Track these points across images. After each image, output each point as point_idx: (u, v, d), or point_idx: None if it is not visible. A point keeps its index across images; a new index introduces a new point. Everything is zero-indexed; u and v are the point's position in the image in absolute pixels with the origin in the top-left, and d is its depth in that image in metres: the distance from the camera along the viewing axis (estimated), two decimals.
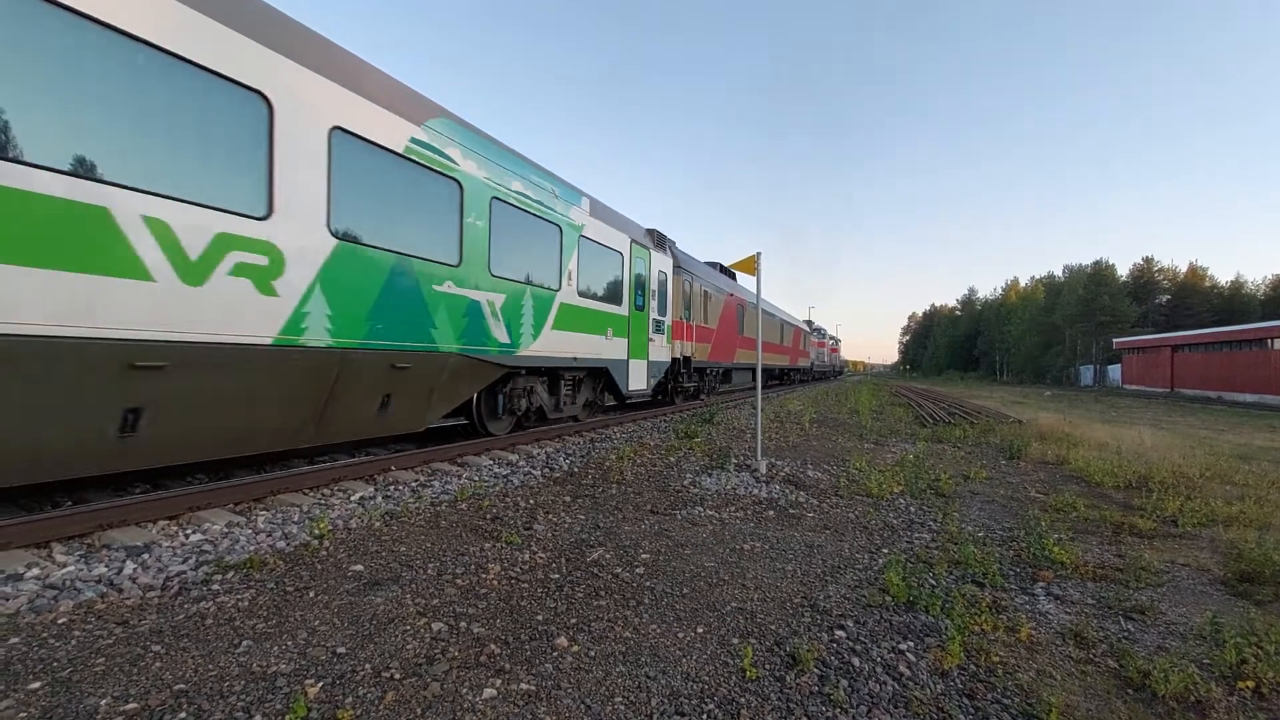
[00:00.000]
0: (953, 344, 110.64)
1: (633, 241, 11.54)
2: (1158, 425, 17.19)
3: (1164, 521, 5.75)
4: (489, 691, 2.49)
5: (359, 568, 3.78)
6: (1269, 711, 2.59)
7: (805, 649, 2.91)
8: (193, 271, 4.33)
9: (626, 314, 11.27)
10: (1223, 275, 78.50)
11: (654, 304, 12.56)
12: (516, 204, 8.02)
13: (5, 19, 3.45)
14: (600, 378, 11.03)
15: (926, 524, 5.47)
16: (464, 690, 2.49)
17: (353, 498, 5.37)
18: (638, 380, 11.85)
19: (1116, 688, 2.78)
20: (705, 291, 16.73)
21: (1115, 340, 57.62)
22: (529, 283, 8.29)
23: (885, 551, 4.62)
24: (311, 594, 3.37)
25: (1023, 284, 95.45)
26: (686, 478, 6.84)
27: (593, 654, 2.85)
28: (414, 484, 6.00)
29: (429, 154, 6.49)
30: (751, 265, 7.77)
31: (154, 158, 4.16)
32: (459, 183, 6.95)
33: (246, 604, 3.21)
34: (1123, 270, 72.54)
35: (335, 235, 5.39)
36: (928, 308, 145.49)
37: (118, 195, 3.91)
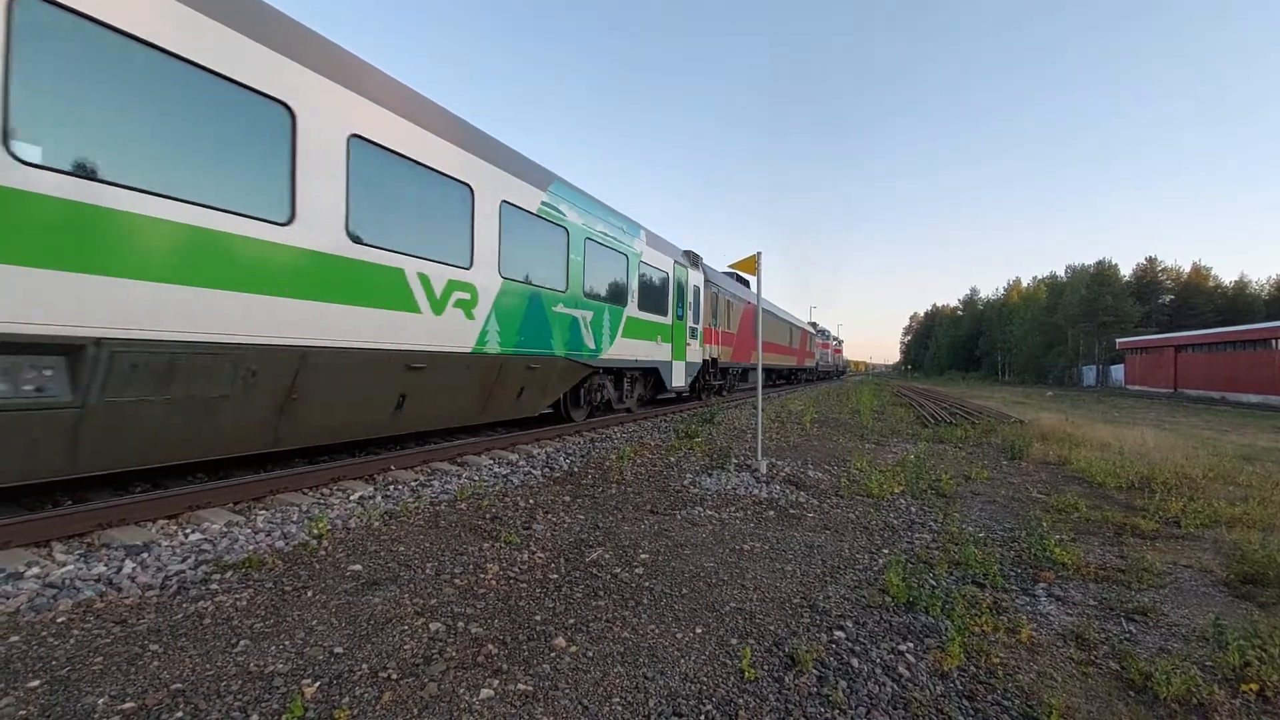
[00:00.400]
0: (954, 344, 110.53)
1: (675, 262, 13.67)
2: (1160, 426, 17.14)
3: (1166, 522, 5.72)
4: (486, 692, 2.48)
5: (357, 567, 3.78)
6: (1273, 715, 2.57)
7: (804, 650, 2.90)
8: (437, 305, 6.57)
9: (670, 323, 13.39)
10: (1227, 275, 78.41)
11: (690, 314, 14.64)
12: (601, 241, 10.28)
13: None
14: (651, 376, 13.22)
15: (927, 524, 5.45)
16: (461, 690, 2.48)
17: (352, 497, 5.37)
18: (679, 378, 14.03)
19: (1118, 690, 2.76)
20: (727, 301, 18.69)
21: (1118, 340, 57.48)
22: (607, 301, 10.48)
23: (885, 552, 4.60)
24: (309, 594, 3.36)
25: (1025, 284, 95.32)
26: (686, 478, 6.83)
27: (591, 654, 2.84)
28: (413, 483, 6.00)
29: (550, 210, 8.80)
30: (752, 265, 7.75)
31: (423, 235, 6.45)
32: (566, 229, 9.22)
33: (244, 603, 3.21)
34: (1126, 270, 72.59)
35: (502, 276, 7.67)
36: (929, 308, 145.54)
37: (408, 261, 6.18)
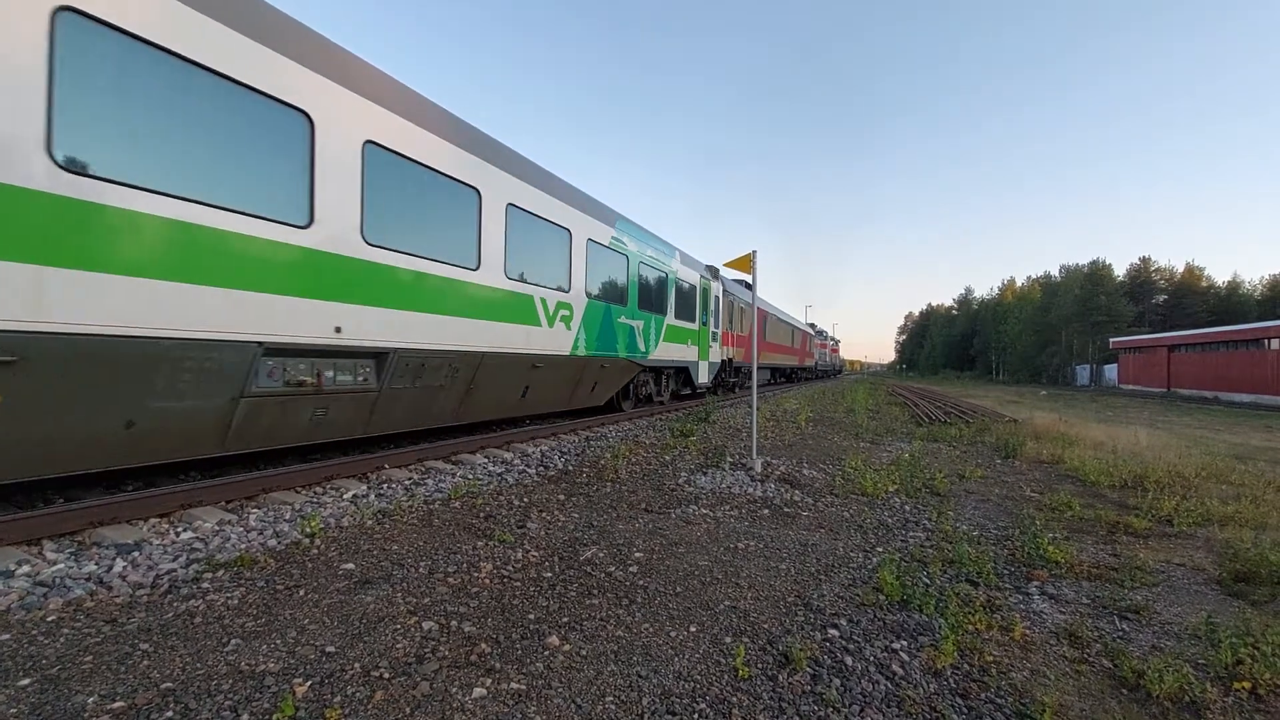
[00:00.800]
0: (949, 343, 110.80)
1: (700, 276, 15.87)
2: (1154, 425, 17.22)
3: (1159, 521, 5.75)
4: (479, 691, 2.47)
5: (350, 566, 3.76)
6: (1266, 713, 2.58)
7: (798, 648, 2.90)
8: (550, 320, 8.85)
9: (698, 329, 15.67)
10: (1220, 275, 78.99)
11: (712, 320, 16.94)
12: (649, 263, 12.55)
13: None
14: (682, 374, 15.60)
15: (921, 523, 5.46)
16: (454, 689, 2.47)
17: (345, 496, 5.35)
18: (704, 376, 16.43)
19: (1110, 688, 2.76)
20: (741, 308, 21.10)
21: (1112, 340, 57.75)
22: (653, 312, 12.73)
23: (880, 550, 4.61)
24: (302, 592, 3.35)
25: (1019, 284, 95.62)
26: (681, 476, 6.83)
27: (584, 653, 2.83)
28: (407, 482, 5.98)
29: (617, 242, 11.09)
30: (747, 263, 7.75)
31: (543, 270, 8.78)
32: (627, 256, 11.53)
33: (236, 602, 3.19)
34: (1119, 270, 72.89)
35: (587, 296, 9.94)
36: (924, 307, 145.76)
37: (535, 289, 8.47)
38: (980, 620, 3.32)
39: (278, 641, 2.79)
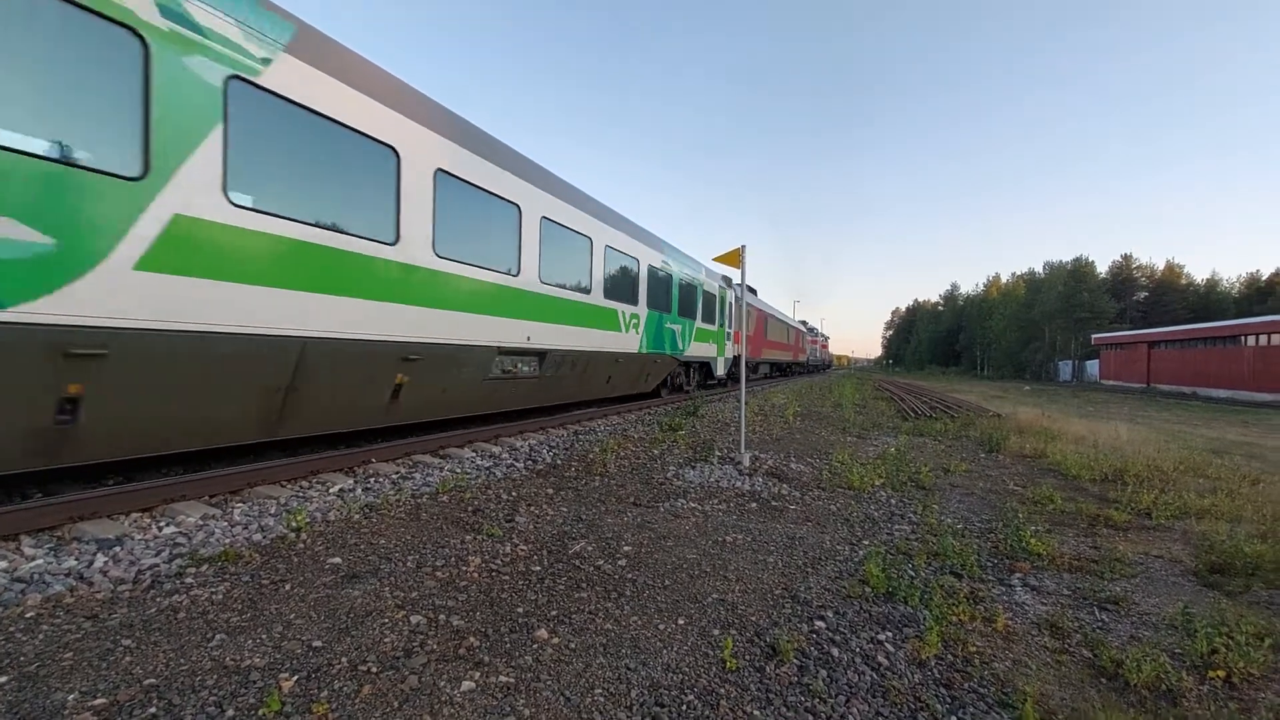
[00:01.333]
0: (935, 339, 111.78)
1: (719, 285, 18.85)
2: (1134, 420, 17.50)
3: (1138, 514, 5.85)
4: (467, 684, 2.47)
5: (336, 560, 3.73)
6: (1240, 700, 2.64)
7: (785, 640, 2.92)
8: (626, 327, 11.77)
9: (717, 329, 18.74)
10: (1199, 273, 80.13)
11: (728, 322, 19.98)
12: (685, 279, 15.38)
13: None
14: (705, 368, 18.78)
15: (907, 516, 5.52)
16: (442, 683, 2.47)
17: (331, 490, 5.31)
18: (722, 369, 19.83)
19: (1090, 677, 2.82)
20: (748, 310, 24.53)
21: (1094, 336, 58.56)
22: (687, 317, 15.59)
23: (866, 543, 4.65)
24: (287, 587, 3.32)
25: (1004, 280, 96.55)
26: (670, 470, 6.84)
27: (573, 646, 2.84)
28: (394, 476, 5.94)
29: (665, 264, 13.95)
30: (736, 258, 7.76)
31: (621, 291, 11.59)
32: (672, 275, 14.39)
33: (220, 597, 3.16)
34: (1102, 267, 73.83)
35: (647, 308, 12.78)
36: (911, 303, 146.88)
37: (617, 304, 11.33)
38: (964, 611, 3.37)
39: (263, 636, 2.77)
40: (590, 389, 11.33)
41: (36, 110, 3.69)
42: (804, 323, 53.08)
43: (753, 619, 3.24)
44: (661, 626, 3.10)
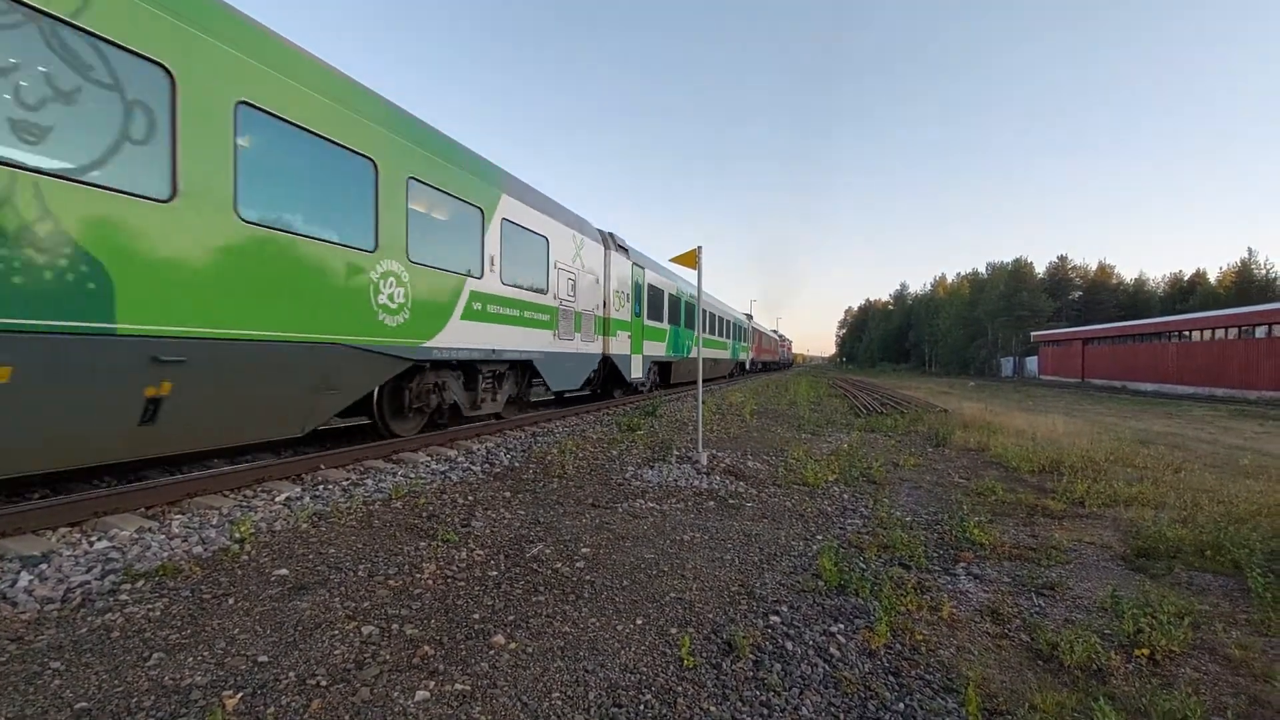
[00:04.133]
0: (886, 337, 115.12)
1: (744, 315, 33.23)
2: (1070, 413, 18.40)
3: (1073, 503, 6.16)
4: (421, 694, 2.42)
5: (284, 572, 3.61)
6: (1162, 676, 2.81)
7: (741, 636, 2.97)
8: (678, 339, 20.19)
9: (732, 340, 31.69)
10: (1128, 273, 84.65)
11: (747, 339, 36.16)
12: (712, 310, 25.62)
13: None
14: (738, 367, 34.36)
15: (859, 510, 5.67)
16: (395, 694, 2.42)
17: (278, 498, 5.12)
18: (740, 367, 36.36)
19: (1028, 660, 2.96)
20: (755, 330, 41.89)
21: (1033, 334, 61.33)
22: (730, 339, 30.17)
23: (820, 538, 4.76)
24: (231, 601, 3.19)
25: (950, 280, 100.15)
26: (628, 470, 6.86)
27: (530, 650, 2.82)
28: (345, 483, 5.77)
29: (718, 304, 27.96)
30: (693, 258, 7.84)
31: (669, 316, 19.01)
32: (729, 319, 30.71)
33: (158, 614, 3.02)
34: (1040, 268, 77.41)
35: (687, 328, 21.34)
36: (863, 302, 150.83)
37: (669, 325, 18.87)
38: (912, 601, 3.49)
39: (205, 653, 2.66)
40: (679, 379, 21.09)
41: None
42: (776, 332, 70.50)
43: (710, 616, 3.28)
44: (619, 627, 3.10)
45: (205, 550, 3.92)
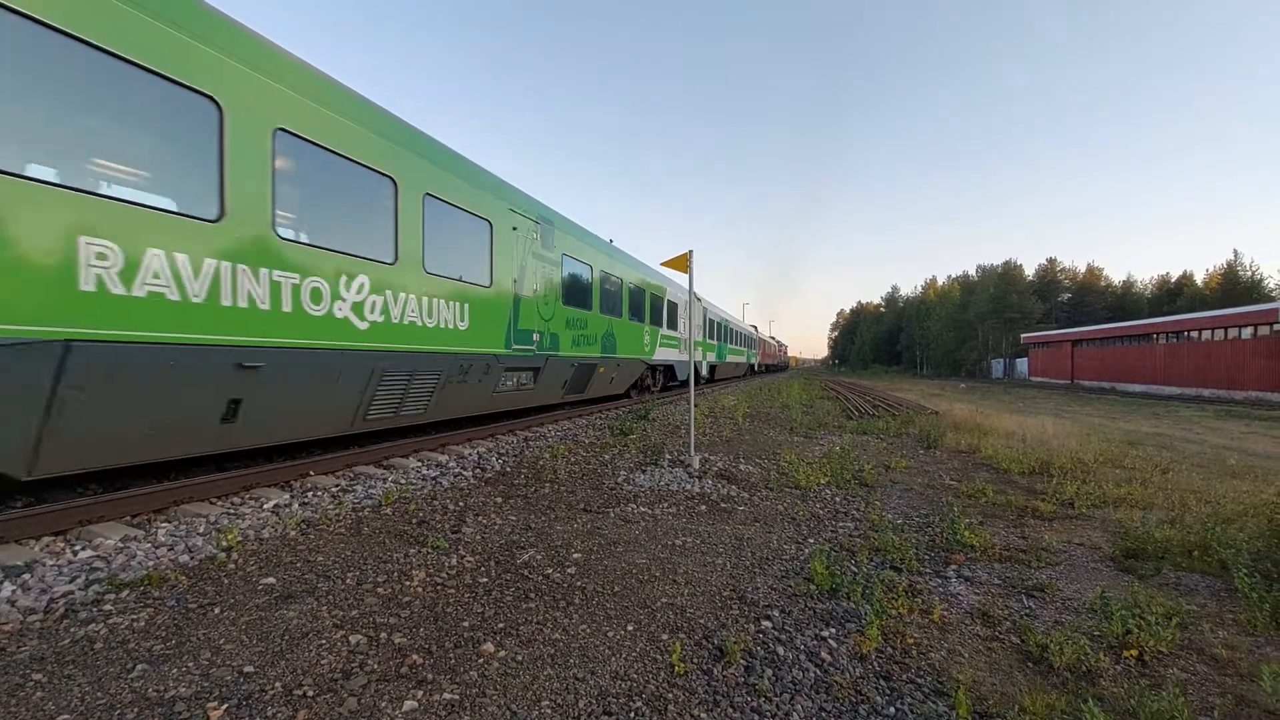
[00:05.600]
0: (877, 339, 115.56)
1: (752, 328, 46.77)
2: (1059, 415, 18.52)
3: (1062, 504, 6.19)
4: (409, 704, 2.40)
5: (271, 580, 3.57)
6: (1150, 677, 2.83)
7: (733, 641, 2.96)
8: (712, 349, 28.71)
9: (746, 349, 41.25)
10: (1116, 275, 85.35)
11: (752, 346, 44.61)
12: (737, 328, 36.79)
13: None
14: (746, 367, 44.05)
15: (850, 513, 5.68)
16: (383, 704, 2.39)
17: (266, 506, 5.08)
18: (751, 369, 46.80)
19: (1019, 662, 2.97)
20: (762, 339, 56.02)
21: (1023, 335, 61.77)
22: (742, 347, 39.24)
23: (811, 542, 4.76)
24: (217, 610, 3.16)
25: (940, 283, 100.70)
26: (620, 475, 6.84)
27: (520, 658, 2.80)
28: (334, 489, 5.73)
29: (737, 320, 38.54)
30: (684, 262, 7.85)
31: (719, 336, 30.25)
32: (746, 334, 42.03)
33: (143, 624, 2.98)
34: (1030, 270, 78.02)
35: (716, 341, 29.92)
36: (854, 304, 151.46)
37: (716, 343, 29.52)
38: (903, 605, 3.49)
39: (190, 664, 2.63)
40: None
41: None
42: (774, 338, 79.41)
43: (701, 621, 3.27)
44: (610, 634, 3.09)
45: (192, 559, 3.87)
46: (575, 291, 11.33)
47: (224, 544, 4.03)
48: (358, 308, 5.96)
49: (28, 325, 3.56)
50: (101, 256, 3.90)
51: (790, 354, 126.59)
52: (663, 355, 17.83)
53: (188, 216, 4.49)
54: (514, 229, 9.02)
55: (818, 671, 2.81)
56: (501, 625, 3.12)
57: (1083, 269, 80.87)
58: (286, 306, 5.22)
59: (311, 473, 6.10)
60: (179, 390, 4.48)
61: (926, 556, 4.51)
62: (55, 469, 4.01)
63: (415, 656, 2.76)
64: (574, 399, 12.62)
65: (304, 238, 5.60)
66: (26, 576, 3.46)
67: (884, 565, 4.24)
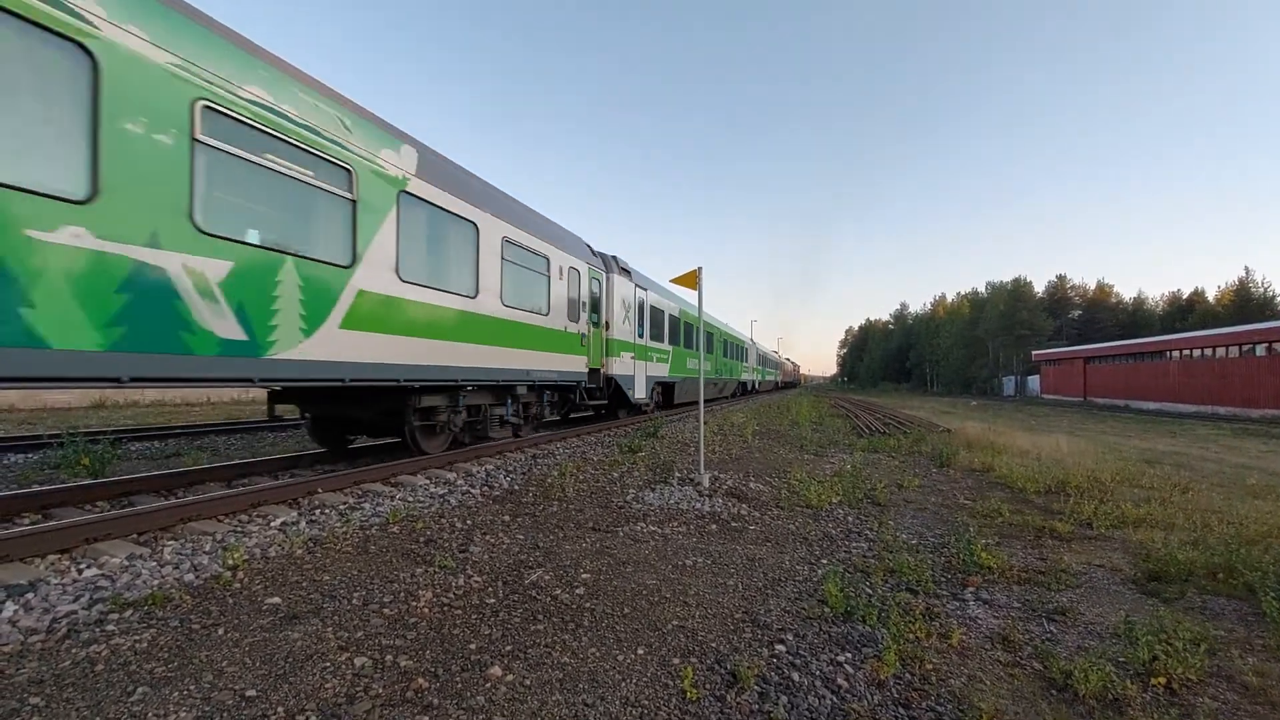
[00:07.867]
0: (886, 357, 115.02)
1: (772, 350, 62.17)
2: (1073, 433, 18.28)
3: (1080, 525, 6.06)
4: None
5: (276, 600, 3.52)
6: (1180, 706, 2.72)
7: (745, 666, 2.88)
8: (741, 368, 38.45)
9: (758, 366, 46.98)
10: (1127, 292, 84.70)
11: (772, 367, 57.26)
12: (767, 355, 55.11)
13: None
14: (770, 385, 56.40)
15: (863, 533, 5.58)
16: None
17: (273, 523, 5.04)
18: (774, 385, 62.61)
19: (1042, 689, 2.86)
20: (778, 360, 70.58)
21: (1034, 353, 61.30)
22: (764, 367, 51.42)
23: (824, 562, 4.67)
24: (220, 631, 3.11)
25: (950, 299, 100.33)
26: (629, 493, 6.77)
27: (528, 683, 2.73)
28: (342, 507, 5.69)
29: (759, 345, 49.54)
30: (694, 280, 7.84)
31: (741, 357, 38.66)
32: (768, 356, 56.40)
33: (145, 645, 2.93)
34: (1039, 287, 77.64)
35: (758, 367, 47.74)
36: (863, 321, 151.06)
37: (740, 364, 37.71)
38: (920, 628, 3.39)
39: (191, 687, 2.57)
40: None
41: None
42: (788, 359, 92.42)
43: (713, 645, 3.19)
44: (620, 657, 3.01)
45: (197, 578, 3.83)
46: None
47: (230, 562, 3.99)
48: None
49: None
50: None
51: (801, 372, 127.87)
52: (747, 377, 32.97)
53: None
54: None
55: (834, 699, 2.72)
56: (509, 648, 3.06)
57: (1093, 286, 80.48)
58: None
59: (320, 490, 6.07)
60: None
61: (943, 578, 4.41)
62: None
63: (421, 680, 2.70)
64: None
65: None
66: (30, 595, 3.42)
67: (899, 587, 4.14)
